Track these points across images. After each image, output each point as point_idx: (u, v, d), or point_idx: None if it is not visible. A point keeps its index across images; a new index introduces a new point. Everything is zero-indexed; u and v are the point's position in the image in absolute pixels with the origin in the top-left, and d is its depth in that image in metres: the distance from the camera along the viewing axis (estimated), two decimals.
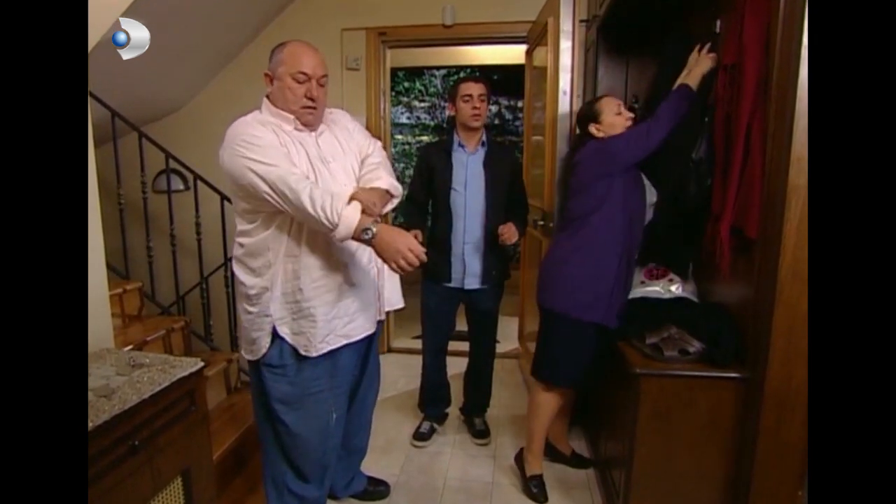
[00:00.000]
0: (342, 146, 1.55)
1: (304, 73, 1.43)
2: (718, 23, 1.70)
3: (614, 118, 1.85)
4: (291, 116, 1.46)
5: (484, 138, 2.22)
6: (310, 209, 1.29)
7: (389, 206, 1.57)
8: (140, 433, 1.07)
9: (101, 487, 0.99)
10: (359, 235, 1.32)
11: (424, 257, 1.36)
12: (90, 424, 0.94)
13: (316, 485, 1.63)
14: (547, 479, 2.08)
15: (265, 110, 1.49)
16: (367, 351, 1.71)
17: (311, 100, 1.44)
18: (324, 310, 1.44)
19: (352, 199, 1.36)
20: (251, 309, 1.47)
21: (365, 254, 1.51)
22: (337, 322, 1.48)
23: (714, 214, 1.58)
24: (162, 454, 1.14)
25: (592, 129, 1.87)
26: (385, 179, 1.52)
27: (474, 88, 2.14)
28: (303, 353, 1.45)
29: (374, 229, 1.31)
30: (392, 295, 1.68)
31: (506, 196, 2.22)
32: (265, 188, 1.32)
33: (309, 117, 1.47)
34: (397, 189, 1.56)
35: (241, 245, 1.47)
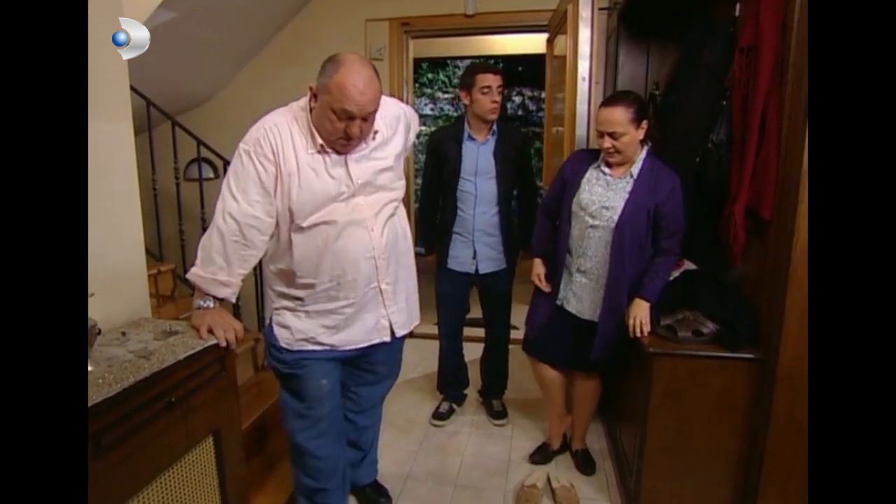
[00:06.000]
0: (376, 160, 1.45)
1: (348, 112, 1.27)
2: (738, 6, 1.70)
3: None
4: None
5: (494, 127, 2.21)
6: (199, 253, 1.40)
7: None
8: (176, 391, 1.15)
9: (142, 438, 1.08)
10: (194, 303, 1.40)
11: (234, 342, 1.34)
12: (132, 379, 1.04)
13: (328, 441, 1.60)
14: (561, 459, 2.13)
15: (302, 117, 1.38)
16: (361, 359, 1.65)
17: (348, 137, 1.32)
18: (305, 312, 1.47)
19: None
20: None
21: (363, 272, 1.45)
22: (321, 331, 1.48)
23: (732, 196, 1.59)
24: (195, 413, 1.22)
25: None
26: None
27: (493, 80, 2.10)
28: (283, 345, 1.49)
29: (204, 305, 1.38)
30: (401, 318, 1.59)
31: (513, 179, 2.25)
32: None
33: (341, 149, 1.37)
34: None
35: None
